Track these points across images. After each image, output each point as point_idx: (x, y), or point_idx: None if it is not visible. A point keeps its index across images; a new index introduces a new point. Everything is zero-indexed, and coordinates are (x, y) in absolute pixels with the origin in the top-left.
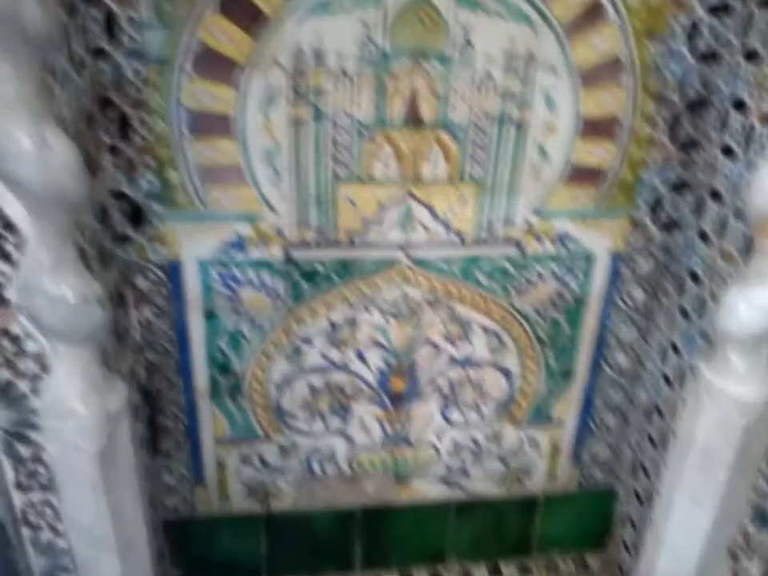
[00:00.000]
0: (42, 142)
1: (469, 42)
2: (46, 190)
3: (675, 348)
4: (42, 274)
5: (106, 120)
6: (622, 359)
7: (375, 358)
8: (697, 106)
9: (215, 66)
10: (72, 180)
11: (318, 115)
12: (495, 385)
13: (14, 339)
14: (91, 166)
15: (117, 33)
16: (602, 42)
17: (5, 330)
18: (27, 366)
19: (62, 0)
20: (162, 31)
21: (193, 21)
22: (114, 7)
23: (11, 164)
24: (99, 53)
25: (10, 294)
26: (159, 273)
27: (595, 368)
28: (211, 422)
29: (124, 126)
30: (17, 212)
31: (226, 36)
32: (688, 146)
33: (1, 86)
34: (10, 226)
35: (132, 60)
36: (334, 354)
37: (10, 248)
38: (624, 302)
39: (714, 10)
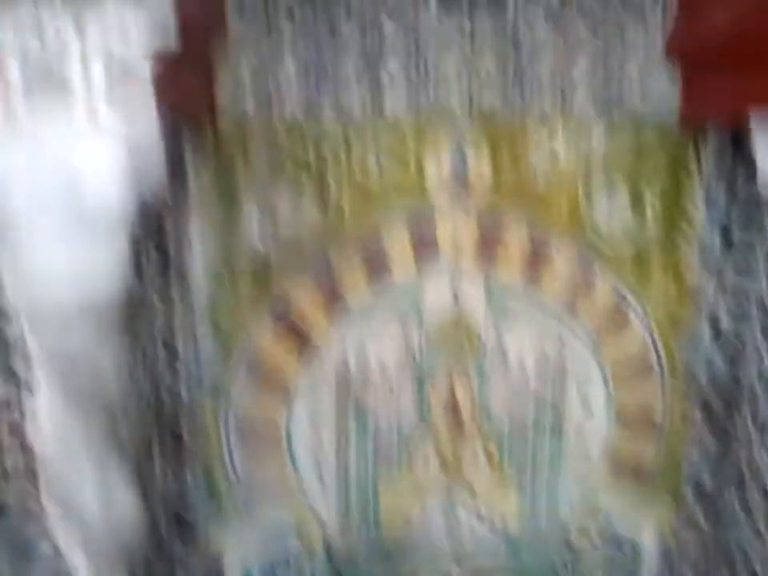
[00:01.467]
0: (107, 499)
1: (502, 346)
2: (104, 538)
3: None
4: None
5: (159, 442)
6: None
7: None
8: (728, 398)
9: (265, 381)
10: (131, 532)
11: (362, 423)
12: None
13: None
14: (145, 489)
15: (176, 364)
16: (630, 345)
17: None
18: None
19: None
20: (216, 351)
21: (245, 342)
22: (175, 343)
23: (73, 514)
24: (158, 384)
25: None
26: None
27: None
28: None
29: (176, 447)
30: (74, 552)
31: (275, 355)
32: (725, 436)
33: (70, 435)
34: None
35: (189, 386)
36: None
37: None
38: None
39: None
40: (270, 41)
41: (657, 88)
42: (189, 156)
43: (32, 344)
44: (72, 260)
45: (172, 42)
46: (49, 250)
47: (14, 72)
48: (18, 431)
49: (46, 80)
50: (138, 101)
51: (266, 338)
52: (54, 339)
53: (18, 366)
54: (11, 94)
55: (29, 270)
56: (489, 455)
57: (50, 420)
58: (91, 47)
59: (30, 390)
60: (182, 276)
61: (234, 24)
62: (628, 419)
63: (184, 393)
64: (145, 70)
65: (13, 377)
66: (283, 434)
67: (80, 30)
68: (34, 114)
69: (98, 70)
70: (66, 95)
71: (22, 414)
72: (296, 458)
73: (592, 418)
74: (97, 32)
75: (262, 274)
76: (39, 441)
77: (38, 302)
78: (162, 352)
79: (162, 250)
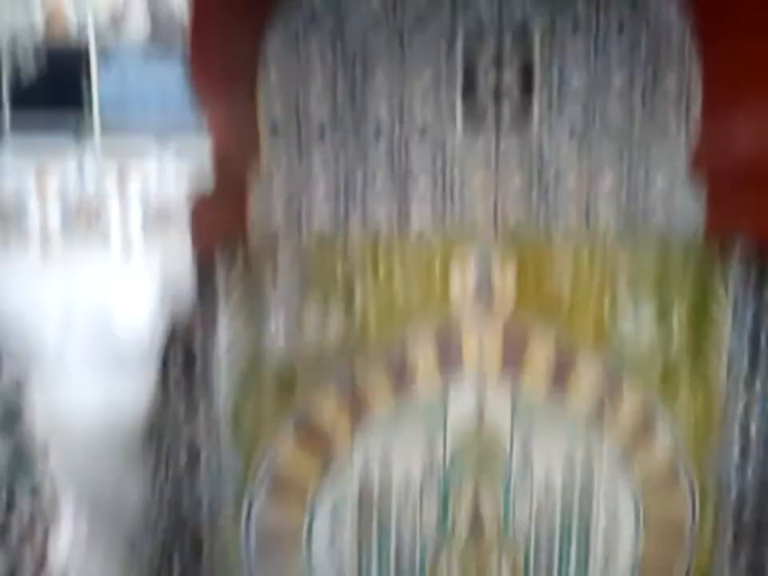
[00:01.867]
0: None
1: (528, 458)
2: None
3: None
4: None
5: (180, 558)
6: None
7: None
8: (760, 512)
9: (287, 491)
10: None
11: (384, 539)
12: None
13: None
14: None
15: (198, 476)
16: (659, 457)
17: None
18: None
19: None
20: (239, 460)
21: (268, 451)
22: (198, 456)
23: None
24: (180, 498)
25: None
26: None
27: None
28: None
29: (197, 562)
30: None
31: (298, 464)
32: (758, 550)
33: (91, 557)
34: None
35: (210, 500)
36: None
37: None
38: None
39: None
40: (301, 160)
41: (682, 204)
42: (220, 274)
43: (58, 467)
44: (101, 388)
45: (208, 185)
46: (79, 378)
47: (53, 208)
48: (40, 554)
49: (84, 217)
50: (172, 232)
51: (288, 449)
52: (80, 462)
53: (43, 490)
54: (49, 230)
55: (59, 398)
56: (512, 563)
57: (72, 544)
58: (129, 188)
59: (55, 515)
60: (208, 390)
61: (267, 145)
62: (657, 533)
63: (205, 507)
64: (180, 209)
65: (38, 501)
66: (304, 549)
67: (120, 173)
68: (70, 250)
69: (134, 208)
70: (102, 231)
71: (45, 538)
72: (313, 564)
73: (620, 532)
74: (136, 175)
75: (287, 384)
76: (60, 563)
77: (67, 427)
78: (185, 465)
79: (189, 366)
